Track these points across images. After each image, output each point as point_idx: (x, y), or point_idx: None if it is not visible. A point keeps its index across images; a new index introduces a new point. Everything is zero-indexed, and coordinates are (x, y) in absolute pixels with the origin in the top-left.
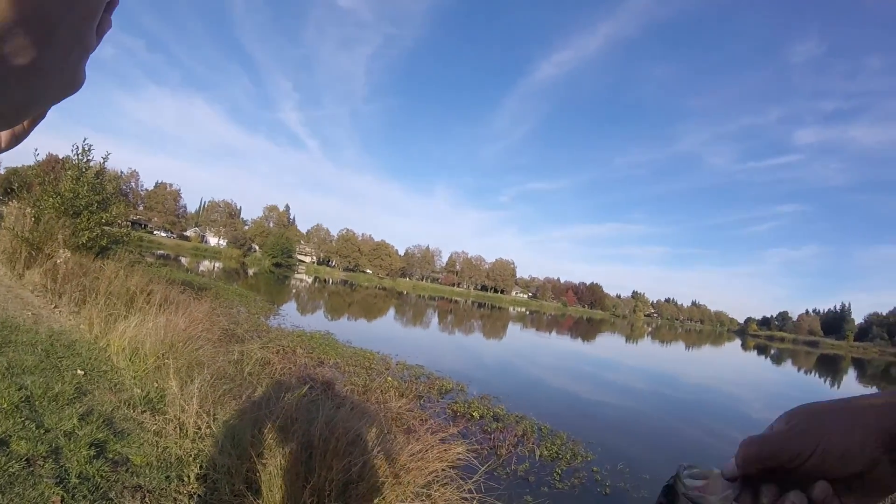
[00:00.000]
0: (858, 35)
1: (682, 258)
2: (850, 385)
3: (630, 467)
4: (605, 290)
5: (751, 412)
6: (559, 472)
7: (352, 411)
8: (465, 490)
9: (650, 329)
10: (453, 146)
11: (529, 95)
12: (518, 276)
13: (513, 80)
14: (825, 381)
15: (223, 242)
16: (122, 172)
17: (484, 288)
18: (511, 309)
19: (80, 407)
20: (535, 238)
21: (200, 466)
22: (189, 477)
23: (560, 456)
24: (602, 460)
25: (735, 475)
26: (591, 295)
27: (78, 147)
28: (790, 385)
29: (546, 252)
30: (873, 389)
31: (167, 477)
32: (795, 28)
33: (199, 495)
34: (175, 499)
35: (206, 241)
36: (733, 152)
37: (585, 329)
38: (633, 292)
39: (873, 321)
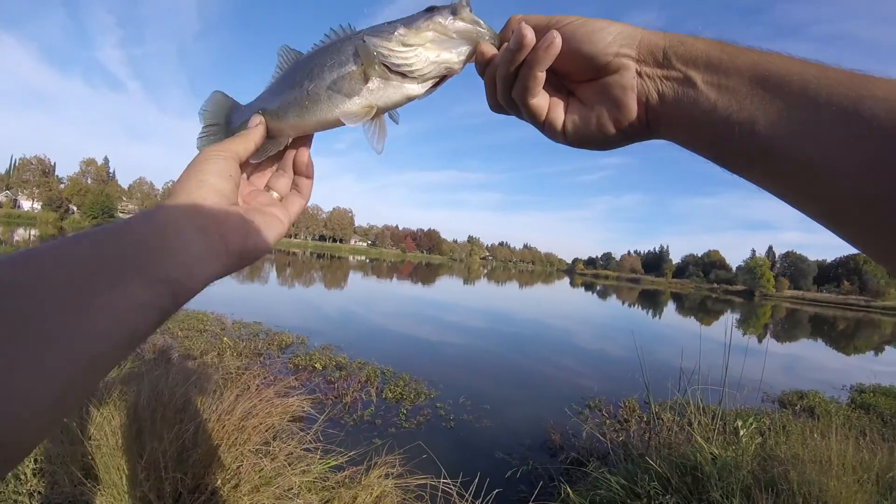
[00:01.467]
0: (696, 12)
1: (515, 204)
2: (670, 315)
3: (472, 399)
4: (443, 235)
5: (581, 342)
6: (404, 411)
7: (180, 377)
8: (306, 441)
9: (486, 271)
10: None
11: None
12: (357, 224)
13: (352, 21)
14: (647, 313)
15: (38, 206)
16: None
17: (322, 238)
18: (351, 258)
19: None
20: (374, 185)
21: (36, 461)
22: (26, 474)
23: (404, 396)
24: (445, 396)
25: (496, 36)
26: (428, 241)
27: None
28: (615, 317)
29: (384, 199)
30: (691, 319)
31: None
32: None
33: (39, 492)
34: (15, 500)
35: (18, 206)
36: None
37: (424, 274)
38: (469, 237)
39: (689, 261)
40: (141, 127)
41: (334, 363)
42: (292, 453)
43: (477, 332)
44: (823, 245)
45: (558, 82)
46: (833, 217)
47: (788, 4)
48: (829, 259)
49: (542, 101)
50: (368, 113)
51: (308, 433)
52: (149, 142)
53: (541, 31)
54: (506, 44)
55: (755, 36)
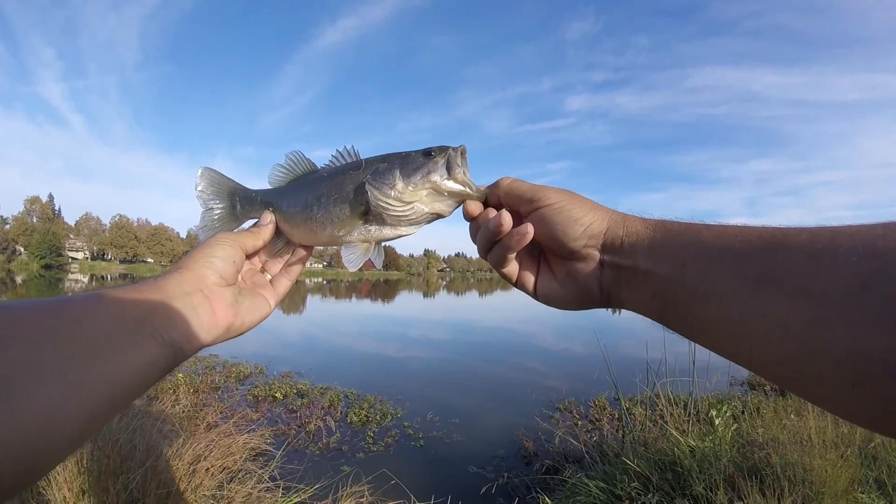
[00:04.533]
0: (631, 16)
1: None
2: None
3: (440, 415)
4: (398, 251)
5: (544, 344)
6: (371, 434)
7: (121, 422)
8: (265, 480)
9: (444, 283)
10: (233, 116)
11: (314, 62)
12: None
13: (296, 46)
14: (608, 310)
15: None
16: None
17: None
18: (307, 280)
19: None
20: None
21: None
22: None
23: (370, 419)
24: (412, 414)
25: (483, 195)
26: (386, 257)
27: None
28: (576, 315)
29: None
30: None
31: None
32: (573, 8)
33: None
34: None
35: None
36: (510, 117)
37: (383, 290)
38: (425, 250)
39: None
40: (85, 162)
41: (295, 391)
42: (251, 494)
43: (440, 344)
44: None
45: (532, 246)
46: (757, 370)
47: (720, 2)
48: None
49: (512, 269)
50: (367, 248)
51: (267, 470)
52: (93, 177)
53: (524, 206)
54: (486, 220)
55: (689, 35)
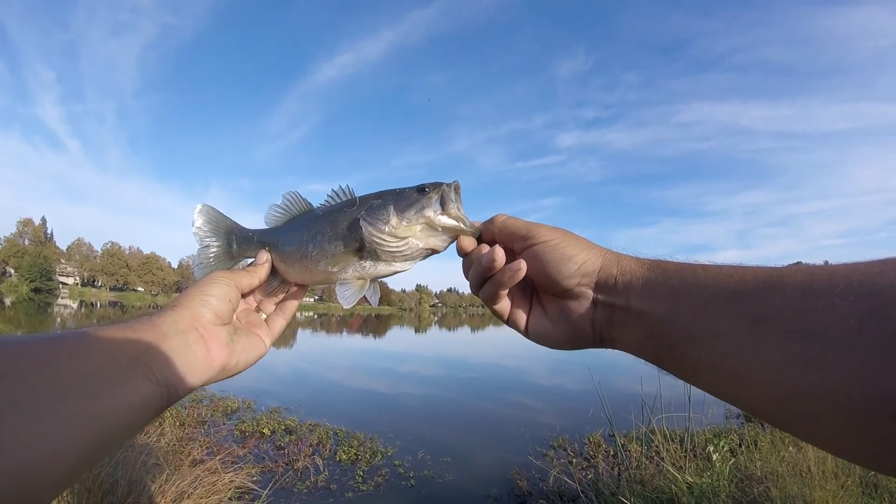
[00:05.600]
0: (620, 54)
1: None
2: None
3: (431, 453)
4: (390, 286)
5: (538, 380)
6: (361, 473)
7: (111, 456)
8: None
9: (436, 318)
10: (228, 146)
11: (309, 96)
12: None
13: (292, 79)
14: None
15: None
16: None
17: None
18: (298, 314)
19: None
20: None
21: None
22: None
23: (360, 457)
24: (402, 452)
25: (478, 231)
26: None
27: None
28: (569, 352)
29: None
30: None
31: None
32: (564, 46)
33: None
34: None
35: None
36: (502, 154)
37: (375, 325)
38: (417, 285)
39: None
40: (79, 186)
41: (283, 427)
42: None
43: (432, 381)
44: (761, 259)
45: (524, 283)
46: (754, 412)
47: (707, 39)
48: None
49: (504, 305)
50: (362, 285)
51: None
52: (87, 202)
53: (517, 243)
54: (479, 256)
55: (677, 71)
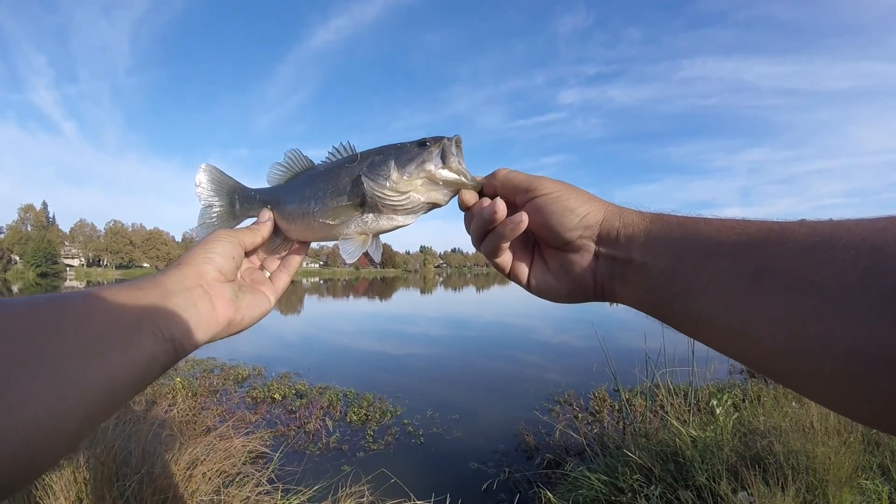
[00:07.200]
0: (622, 9)
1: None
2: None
3: (440, 411)
4: (394, 248)
5: (543, 337)
6: (371, 433)
7: (117, 428)
8: (264, 483)
9: (441, 279)
10: (225, 118)
11: (305, 62)
12: None
13: (287, 46)
14: (606, 303)
15: None
16: None
17: None
18: (304, 280)
19: None
20: None
21: None
22: None
23: (369, 417)
24: (411, 412)
25: (479, 184)
26: (382, 254)
27: None
28: (573, 307)
29: None
30: None
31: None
32: (565, 2)
33: None
34: None
35: None
36: (503, 112)
37: (380, 288)
38: (421, 247)
39: None
40: (78, 168)
41: (294, 391)
42: (248, 498)
43: (439, 340)
44: (765, 215)
45: (526, 237)
46: (754, 366)
47: None
48: None
49: (506, 259)
50: (364, 240)
51: (266, 473)
52: (86, 183)
53: (519, 196)
54: (481, 209)
55: (680, 27)
